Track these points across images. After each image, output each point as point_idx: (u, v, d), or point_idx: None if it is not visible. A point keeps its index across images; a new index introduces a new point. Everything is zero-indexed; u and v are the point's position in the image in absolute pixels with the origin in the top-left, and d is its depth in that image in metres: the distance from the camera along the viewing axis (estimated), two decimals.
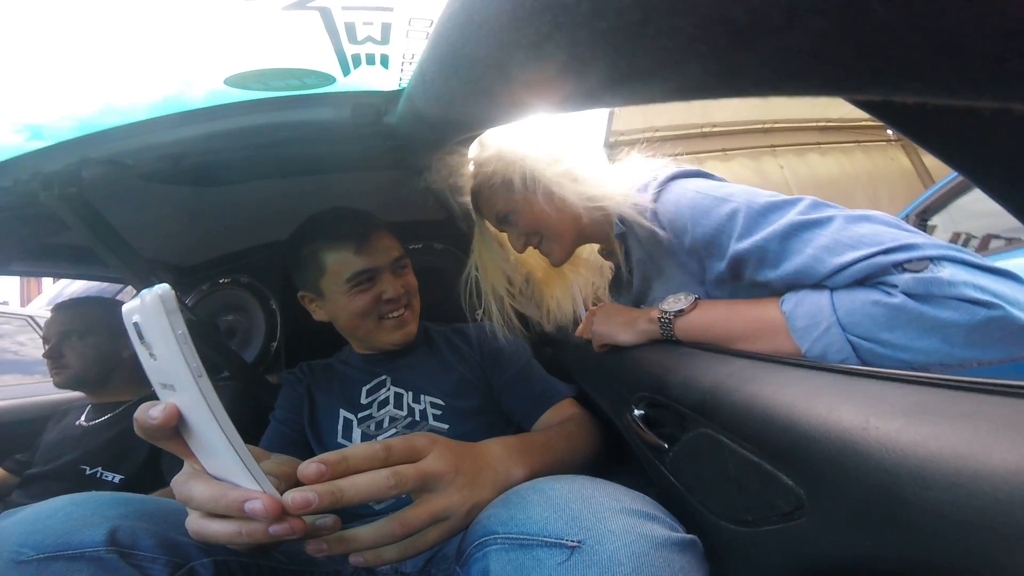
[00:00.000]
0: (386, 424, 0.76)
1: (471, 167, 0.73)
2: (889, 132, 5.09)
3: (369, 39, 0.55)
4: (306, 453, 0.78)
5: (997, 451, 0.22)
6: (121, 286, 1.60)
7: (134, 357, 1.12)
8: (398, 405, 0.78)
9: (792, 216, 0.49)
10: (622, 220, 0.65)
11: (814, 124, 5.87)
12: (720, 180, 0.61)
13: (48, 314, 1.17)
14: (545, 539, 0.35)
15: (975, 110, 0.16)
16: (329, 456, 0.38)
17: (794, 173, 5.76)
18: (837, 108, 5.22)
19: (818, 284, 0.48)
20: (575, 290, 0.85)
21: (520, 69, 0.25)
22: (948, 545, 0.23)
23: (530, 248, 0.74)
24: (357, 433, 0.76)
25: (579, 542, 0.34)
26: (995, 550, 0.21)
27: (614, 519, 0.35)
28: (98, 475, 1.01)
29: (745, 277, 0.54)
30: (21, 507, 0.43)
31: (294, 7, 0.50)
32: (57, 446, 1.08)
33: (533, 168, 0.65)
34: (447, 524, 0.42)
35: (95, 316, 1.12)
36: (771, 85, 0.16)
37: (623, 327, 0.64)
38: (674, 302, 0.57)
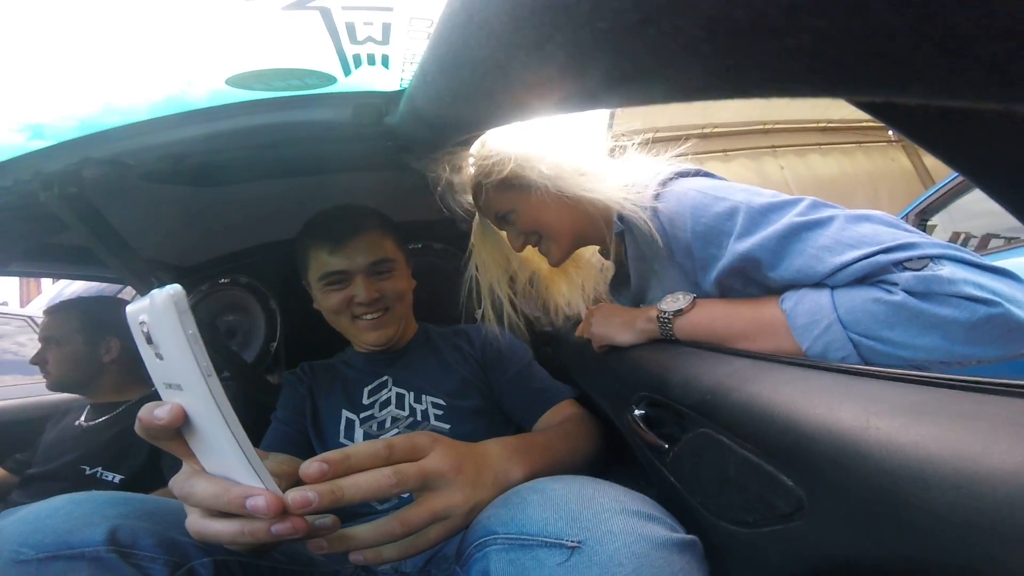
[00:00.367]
0: (388, 424, 0.76)
1: (472, 166, 0.73)
2: (890, 133, 5.10)
3: (370, 39, 0.55)
4: (308, 453, 0.77)
5: (997, 451, 0.22)
6: (121, 286, 1.60)
7: (117, 360, 1.14)
8: (400, 405, 0.78)
9: (792, 216, 0.49)
10: (622, 219, 0.65)
11: (815, 125, 5.88)
12: (722, 180, 0.61)
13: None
14: (545, 539, 0.35)
15: (976, 111, 0.16)
16: (331, 455, 0.38)
17: (795, 174, 5.76)
18: (838, 109, 5.23)
19: (818, 283, 0.48)
20: (581, 286, 0.85)
21: (521, 69, 0.25)
22: (948, 545, 0.23)
23: (529, 247, 0.74)
24: (359, 433, 0.76)
25: (579, 542, 0.34)
26: (995, 550, 0.21)
27: (614, 519, 0.35)
28: (98, 475, 1.01)
29: (744, 277, 0.54)
30: (21, 507, 0.43)
31: (294, 7, 0.50)
32: (57, 446, 1.08)
33: (534, 167, 0.65)
34: (447, 523, 0.42)
35: (72, 323, 1.11)
36: (772, 86, 0.16)
37: (621, 327, 0.64)
38: (673, 301, 0.57)
